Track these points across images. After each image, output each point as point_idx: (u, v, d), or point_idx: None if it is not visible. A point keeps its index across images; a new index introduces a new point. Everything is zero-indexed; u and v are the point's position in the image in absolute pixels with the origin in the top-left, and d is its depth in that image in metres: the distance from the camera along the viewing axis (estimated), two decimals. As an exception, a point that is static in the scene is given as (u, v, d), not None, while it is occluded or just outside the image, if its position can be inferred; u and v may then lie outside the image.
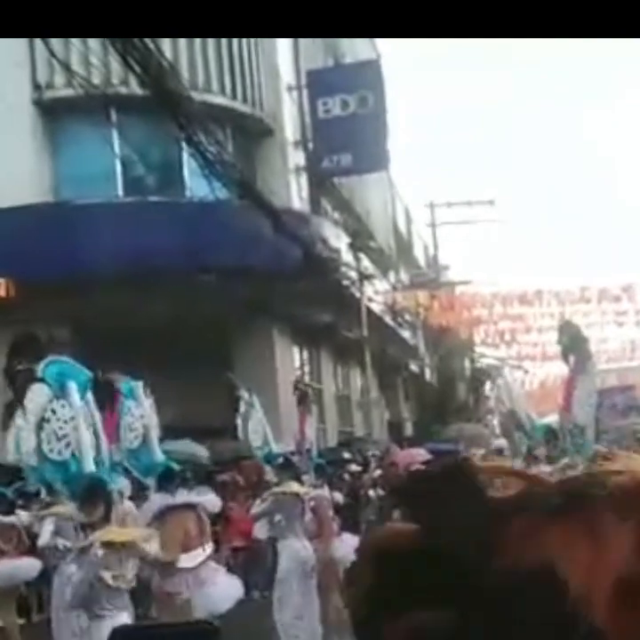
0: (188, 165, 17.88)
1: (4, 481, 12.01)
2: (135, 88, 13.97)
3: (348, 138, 22.33)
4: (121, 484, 9.32)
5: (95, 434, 8.85)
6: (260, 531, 11.27)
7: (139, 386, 10.30)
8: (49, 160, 19.09)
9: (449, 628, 0.90)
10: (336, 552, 10.80)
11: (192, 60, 19.59)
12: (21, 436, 8.75)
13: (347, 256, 22.12)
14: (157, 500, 9.08)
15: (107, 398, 9.46)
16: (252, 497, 13.05)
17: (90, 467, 8.33)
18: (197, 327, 17.44)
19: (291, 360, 21.05)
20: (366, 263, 23.58)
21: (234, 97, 20.31)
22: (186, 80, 16.16)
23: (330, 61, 25.23)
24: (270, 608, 10.16)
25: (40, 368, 8.80)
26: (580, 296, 28.87)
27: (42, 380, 8.70)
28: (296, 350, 21.63)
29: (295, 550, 10.00)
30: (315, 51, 23.46)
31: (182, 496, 9.06)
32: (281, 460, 11.36)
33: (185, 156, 17.16)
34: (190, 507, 9.01)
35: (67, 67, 13.68)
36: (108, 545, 6.78)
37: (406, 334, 29.53)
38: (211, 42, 19.75)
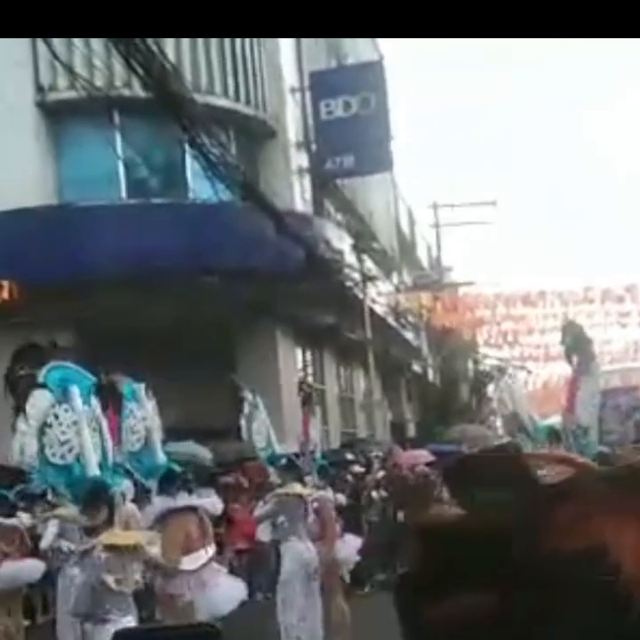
0: (191, 167, 17.91)
1: (6, 483, 12.02)
2: (138, 90, 13.99)
3: (351, 139, 22.34)
4: (123, 485, 9.32)
5: (101, 437, 8.86)
6: (264, 533, 11.25)
7: (141, 388, 10.31)
8: (52, 162, 19.11)
9: (495, 610, 0.89)
10: (339, 553, 10.81)
11: (195, 62, 19.61)
12: (24, 442, 8.76)
13: (349, 257, 22.12)
14: (159, 503, 9.08)
15: (109, 400, 9.47)
16: (256, 499, 13.04)
17: (93, 470, 8.34)
18: (200, 329, 17.44)
19: (294, 361, 21.05)
20: (369, 264, 23.57)
21: (237, 99, 20.32)
22: (189, 82, 16.15)
23: (332, 63, 25.25)
24: (273, 610, 10.16)
25: (42, 374, 8.80)
26: (583, 297, 28.82)
27: (44, 385, 8.70)
28: (299, 352, 21.62)
29: (298, 552, 9.99)
30: (317, 52, 23.48)
31: (183, 499, 9.06)
32: (284, 461, 11.35)
33: (188, 157, 17.15)
34: (192, 509, 9.00)
35: (70, 69, 13.69)
36: (111, 548, 6.77)
37: (409, 335, 29.52)
38: (214, 44, 19.77)
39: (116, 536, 6.97)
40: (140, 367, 11.40)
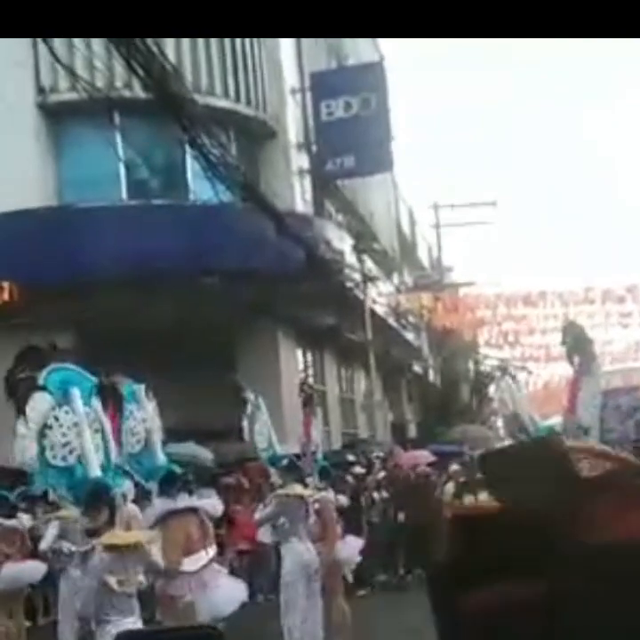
0: (192, 168, 17.90)
1: (7, 484, 12.02)
2: (139, 91, 13.98)
3: (352, 140, 22.34)
4: (124, 486, 9.31)
5: (104, 439, 8.85)
6: (265, 534, 11.23)
7: (141, 389, 10.28)
8: (52, 163, 19.11)
9: (536, 601, 0.89)
10: (339, 554, 10.80)
11: (195, 62, 19.61)
12: (24, 444, 8.75)
13: (350, 258, 22.11)
14: (159, 504, 9.08)
15: (109, 401, 9.45)
16: (257, 500, 13.04)
17: (95, 472, 8.33)
18: (201, 330, 17.43)
19: (294, 362, 21.03)
20: (370, 265, 23.56)
21: (237, 99, 20.32)
22: (189, 83, 16.15)
23: (333, 63, 25.25)
24: (274, 611, 10.15)
25: (42, 376, 8.78)
26: (583, 297, 28.82)
27: (43, 388, 8.68)
28: (300, 353, 21.61)
29: (298, 553, 9.98)
30: (318, 53, 23.49)
31: (184, 500, 9.05)
32: (285, 462, 11.33)
33: (188, 158, 17.15)
34: (192, 510, 9.00)
35: (70, 70, 13.68)
36: (111, 548, 6.75)
37: (410, 336, 29.51)
38: (214, 44, 19.77)
39: (117, 536, 6.96)
40: (140, 368, 11.37)
